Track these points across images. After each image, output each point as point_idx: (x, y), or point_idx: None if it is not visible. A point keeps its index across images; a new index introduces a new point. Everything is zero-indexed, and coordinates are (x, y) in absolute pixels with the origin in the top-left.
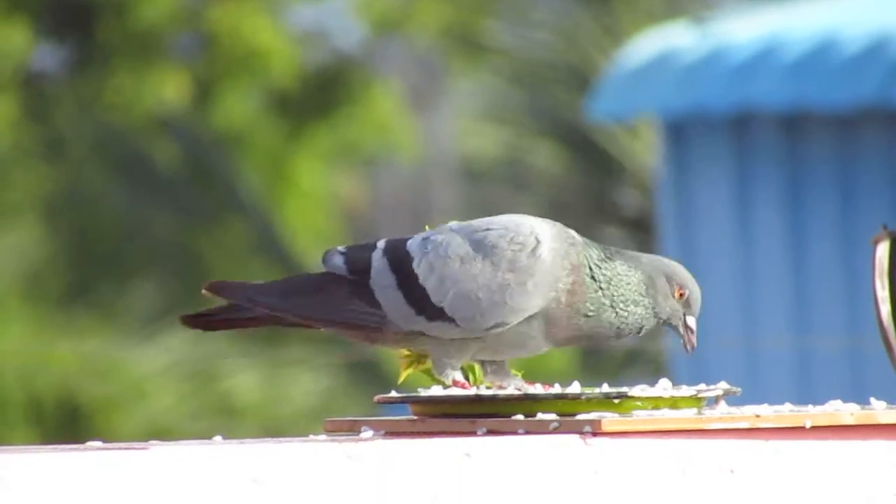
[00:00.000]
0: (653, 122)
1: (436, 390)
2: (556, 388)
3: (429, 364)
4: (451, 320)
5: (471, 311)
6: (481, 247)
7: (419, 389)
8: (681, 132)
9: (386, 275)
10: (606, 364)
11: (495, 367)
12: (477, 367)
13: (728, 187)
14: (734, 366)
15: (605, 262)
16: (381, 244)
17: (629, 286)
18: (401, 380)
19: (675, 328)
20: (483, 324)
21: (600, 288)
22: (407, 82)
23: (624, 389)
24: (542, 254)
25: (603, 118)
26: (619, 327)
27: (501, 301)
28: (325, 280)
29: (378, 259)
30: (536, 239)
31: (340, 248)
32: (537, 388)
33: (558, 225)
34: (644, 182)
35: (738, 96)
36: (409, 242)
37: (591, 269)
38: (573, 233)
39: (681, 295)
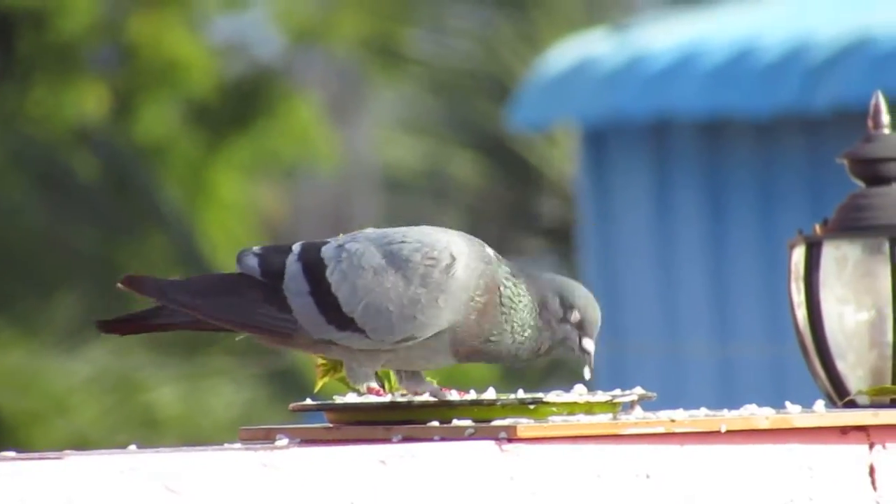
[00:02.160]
0: (572, 130)
1: (351, 398)
2: (472, 395)
3: (343, 372)
4: (361, 331)
5: (381, 323)
6: (395, 259)
7: (335, 397)
8: (601, 140)
9: (299, 280)
10: (528, 372)
11: (410, 374)
12: (392, 373)
13: (648, 194)
14: (654, 372)
15: (512, 282)
16: (296, 248)
17: (525, 309)
18: (317, 388)
19: (571, 350)
20: (392, 337)
21: (503, 312)
22: (327, 93)
23: (539, 395)
24: (456, 271)
25: (522, 127)
26: (515, 353)
27: (411, 315)
28: (238, 281)
29: (292, 263)
30: (451, 255)
31: (256, 248)
32: (452, 395)
33: (476, 241)
34: (564, 191)
35: (657, 103)
36: (323, 248)
37: (501, 291)
38: (489, 250)
39: (574, 318)
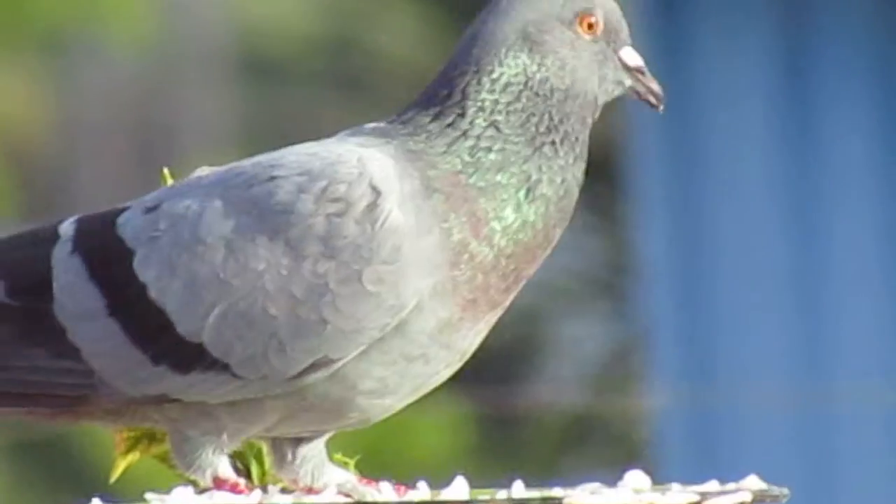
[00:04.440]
0: None
1: (183, 496)
2: (420, 491)
3: (166, 446)
4: (223, 367)
5: (257, 344)
6: (266, 214)
7: (149, 495)
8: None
9: (83, 290)
10: (533, 441)
11: (302, 449)
12: (264, 446)
13: (773, 88)
14: (784, 441)
15: (466, 149)
16: (67, 228)
17: (510, 153)
18: (116, 475)
19: (621, 87)
20: (284, 368)
21: (499, 199)
22: None
23: (557, 492)
24: (387, 212)
25: None
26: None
27: (318, 318)
28: None
29: (65, 259)
30: (371, 186)
31: None
32: (380, 491)
33: (390, 131)
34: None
35: None
36: (122, 220)
37: (465, 164)
38: (404, 131)
39: (590, 26)
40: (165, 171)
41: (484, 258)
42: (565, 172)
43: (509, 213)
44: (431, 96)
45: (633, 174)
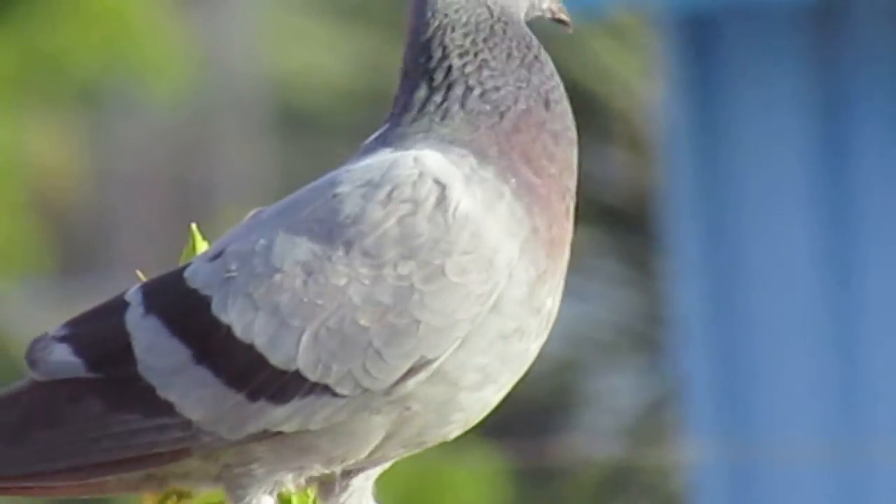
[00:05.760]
0: (651, 12)
1: None
2: None
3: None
4: (323, 389)
5: (354, 357)
6: (336, 231)
7: None
8: (711, 27)
9: (167, 347)
10: (569, 494)
11: (351, 481)
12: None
13: (809, 128)
14: (822, 493)
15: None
16: (134, 296)
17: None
18: None
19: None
20: (385, 376)
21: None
22: None
23: None
24: (457, 201)
25: None
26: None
27: (410, 320)
28: (47, 400)
29: (139, 321)
30: (434, 180)
31: (57, 329)
32: None
33: (412, 124)
34: (630, 128)
35: None
36: (188, 274)
37: (488, 114)
38: (423, 118)
39: None
40: (193, 226)
41: (548, 189)
42: (553, 76)
43: (547, 137)
44: (413, 71)
45: (668, 227)
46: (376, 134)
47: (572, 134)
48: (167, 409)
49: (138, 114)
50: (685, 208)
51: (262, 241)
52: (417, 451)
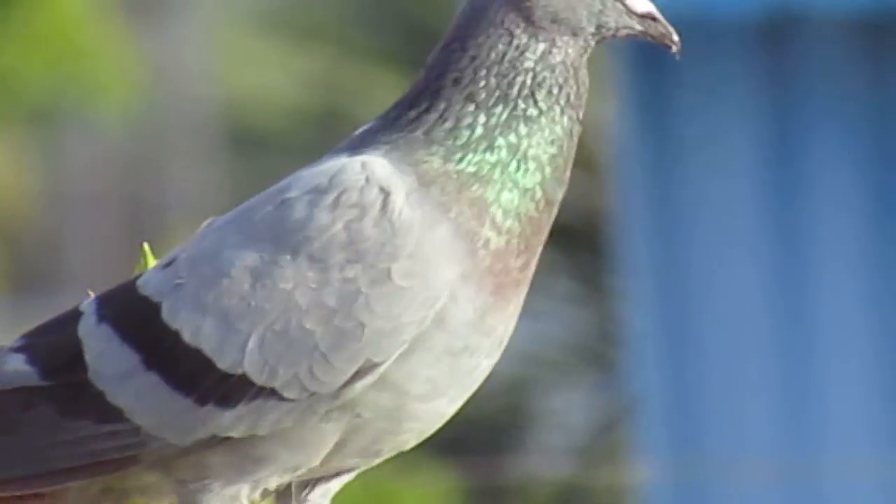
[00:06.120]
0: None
1: None
2: None
3: None
4: (270, 392)
5: (300, 361)
6: (284, 236)
7: None
8: (662, 55)
9: (118, 354)
10: None
11: (309, 494)
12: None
13: (758, 149)
14: None
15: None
16: (88, 306)
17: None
18: None
19: (629, 30)
20: (331, 379)
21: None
22: None
23: None
24: (402, 208)
25: None
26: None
27: (356, 323)
28: (1, 408)
29: (92, 331)
30: (380, 187)
31: (14, 340)
32: None
33: (380, 130)
34: (586, 154)
35: None
36: (141, 282)
37: (449, 149)
38: (392, 127)
39: None
40: (145, 245)
41: (496, 243)
42: (554, 129)
43: (506, 195)
44: (420, 76)
45: (621, 246)
46: (358, 132)
47: (553, 194)
48: (116, 414)
49: (90, 133)
50: (637, 227)
51: (211, 248)
52: (375, 460)
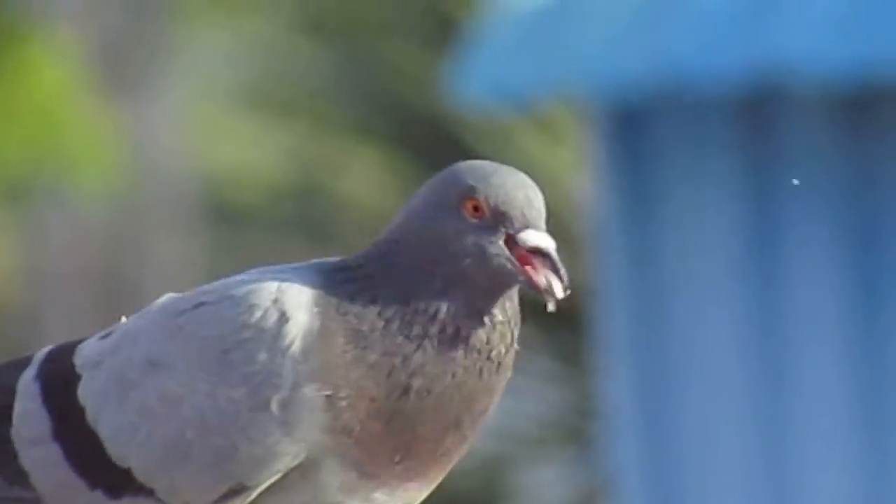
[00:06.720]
0: (580, 105)
1: None
2: None
3: None
4: (149, 493)
5: (178, 469)
6: (189, 340)
7: None
8: (639, 121)
9: (37, 416)
10: None
11: None
12: None
13: (739, 217)
14: None
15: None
16: (40, 355)
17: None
18: None
19: (506, 275)
20: (203, 494)
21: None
22: (99, 37)
23: None
24: (293, 335)
25: (475, 100)
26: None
27: (230, 444)
28: None
29: (27, 384)
30: (281, 311)
31: None
32: None
33: (331, 269)
34: (561, 221)
35: (752, 53)
36: (81, 346)
37: (356, 315)
38: (339, 272)
39: (475, 209)
40: (123, 319)
41: (370, 432)
42: (450, 349)
43: (388, 389)
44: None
45: (599, 321)
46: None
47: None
48: (23, 478)
49: (67, 209)
50: (616, 302)
51: (133, 333)
52: None
